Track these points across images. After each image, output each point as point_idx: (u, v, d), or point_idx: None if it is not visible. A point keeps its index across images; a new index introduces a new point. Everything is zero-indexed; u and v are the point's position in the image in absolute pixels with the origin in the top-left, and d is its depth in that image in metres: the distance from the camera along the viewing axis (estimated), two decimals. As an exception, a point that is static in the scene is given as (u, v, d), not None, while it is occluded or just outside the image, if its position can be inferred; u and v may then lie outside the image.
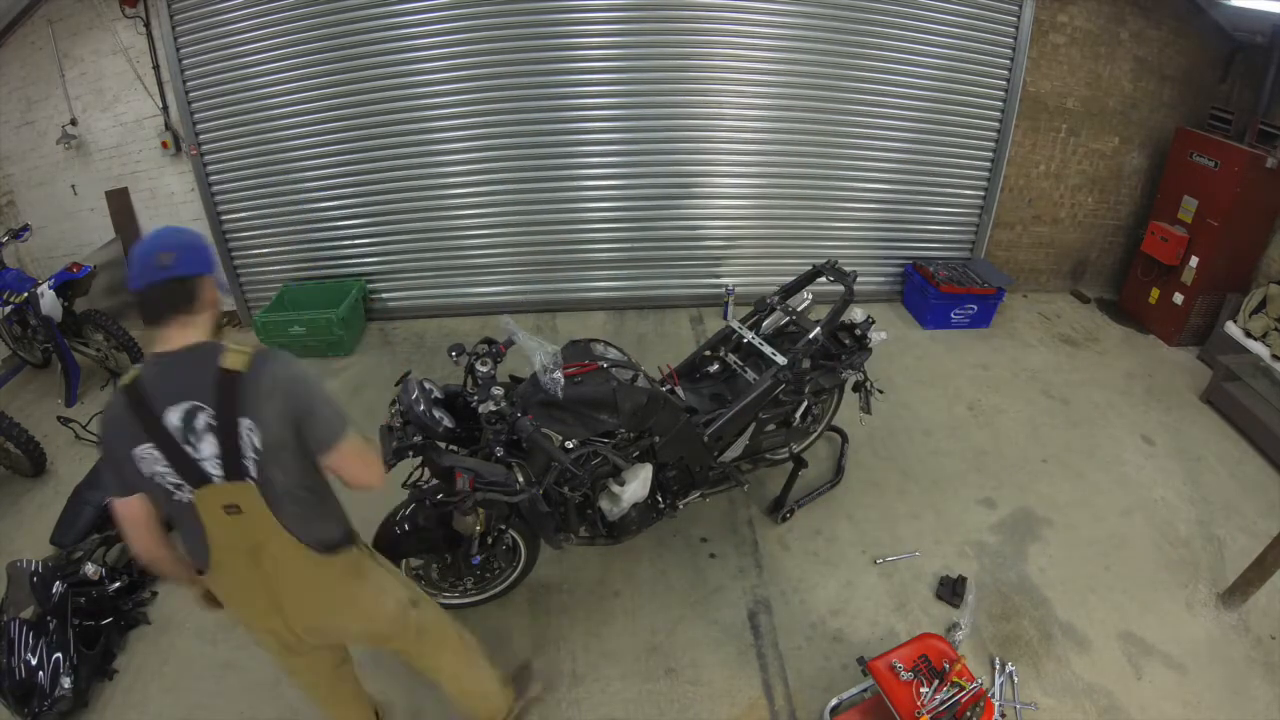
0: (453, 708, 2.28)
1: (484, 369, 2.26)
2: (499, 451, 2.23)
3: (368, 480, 1.65)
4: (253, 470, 1.47)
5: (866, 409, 3.23)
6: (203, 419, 1.43)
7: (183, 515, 1.52)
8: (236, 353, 1.47)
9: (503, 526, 2.53)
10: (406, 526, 2.44)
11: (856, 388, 3.24)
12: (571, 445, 2.36)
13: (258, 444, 1.45)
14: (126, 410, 1.44)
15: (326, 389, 1.61)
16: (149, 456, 1.44)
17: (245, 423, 1.43)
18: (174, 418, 1.42)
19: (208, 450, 1.44)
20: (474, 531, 2.23)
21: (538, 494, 2.31)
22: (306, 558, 1.61)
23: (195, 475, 1.46)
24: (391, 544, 2.45)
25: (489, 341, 2.38)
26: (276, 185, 4.83)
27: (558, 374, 2.26)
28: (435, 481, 2.25)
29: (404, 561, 2.54)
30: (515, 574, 2.82)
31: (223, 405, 1.43)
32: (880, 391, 3.30)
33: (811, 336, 2.92)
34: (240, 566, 1.57)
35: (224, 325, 5.21)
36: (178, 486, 1.47)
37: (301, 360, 1.58)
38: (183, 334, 1.49)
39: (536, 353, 2.23)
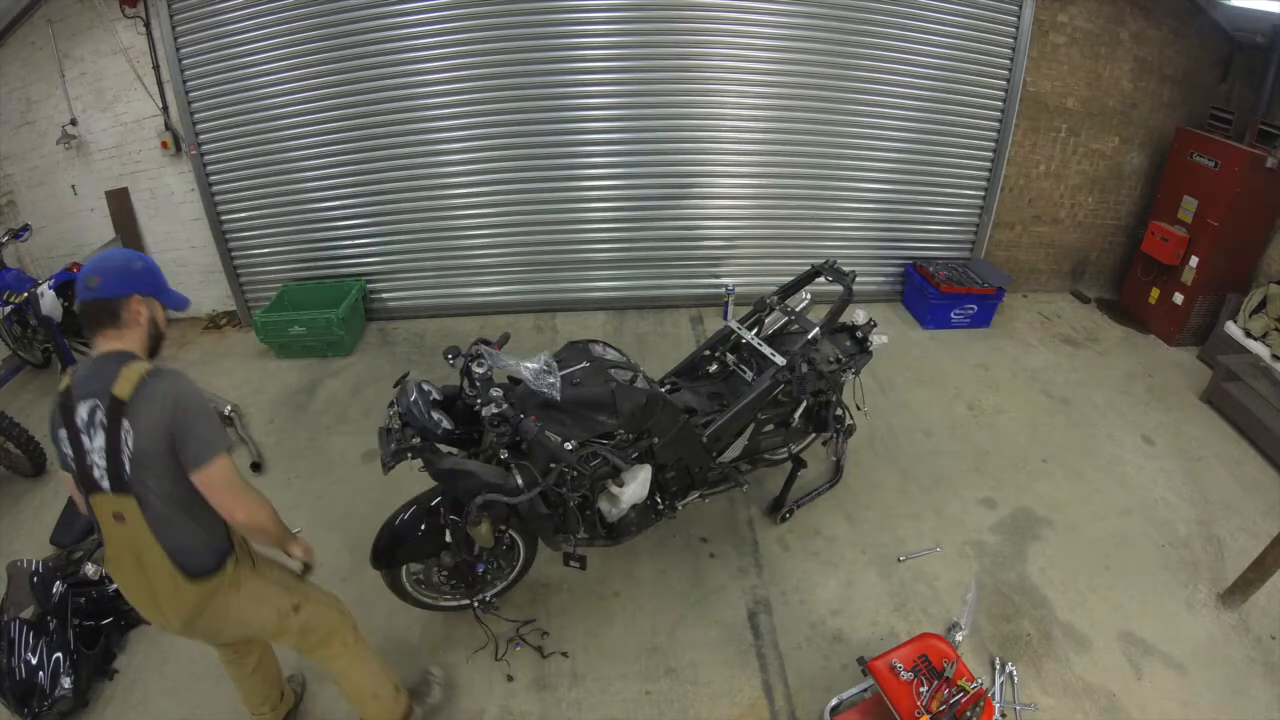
0: (349, 704, 2.34)
1: (480, 370, 2.26)
2: (503, 454, 2.22)
3: (232, 511, 1.71)
4: (128, 473, 1.62)
5: (838, 458, 3.13)
6: (98, 415, 1.61)
7: (90, 511, 1.71)
8: (135, 366, 1.64)
9: (503, 527, 2.53)
10: (405, 532, 2.43)
11: (825, 428, 3.17)
12: (571, 446, 2.36)
13: (131, 447, 1.60)
14: (58, 402, 1.67)
15: (212, 415, 1.71)
16: (63, 440, 1.66)
17: (124, 424, 1.59)
18: (82, 411, 1.62)
19: (98, 444, 1.62)
20: (490, 540, 2.26)
21: (537, 495, 2.30)
22: (174, 577, 1.74)
23: (90, 481, 1.65)
24: (389, 549, 2.45)
25: (484, 342, 2.37)
26: (276, 185, 4.83)
27: (553, 379, 2.26)
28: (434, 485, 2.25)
29: (404, 567, 2.54)
30: (514, 573, 2.82)
31: (111, 406, 1.60)
32: (863, 411, 3.23)
33: (811, 336, 2.92)
34: (129, 566, 1.74)
35: (224, 325, 5.21)
36: (83, 487, 1.67)
37: (192, 382, 1.71)
38: (107, 344, 1.70)
39: (522, 367, 2.24)
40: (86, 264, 1.77)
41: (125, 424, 1.59)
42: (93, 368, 1.67)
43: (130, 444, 1.60)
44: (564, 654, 2.73)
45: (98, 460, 1.62)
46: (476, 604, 2.67)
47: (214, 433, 1.69)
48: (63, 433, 1.66)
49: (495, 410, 2.18)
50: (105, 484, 1.63)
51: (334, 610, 2.18)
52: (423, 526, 2.43)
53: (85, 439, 1.62)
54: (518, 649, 2.74)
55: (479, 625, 2.73)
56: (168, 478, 1.66)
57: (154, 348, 1.81)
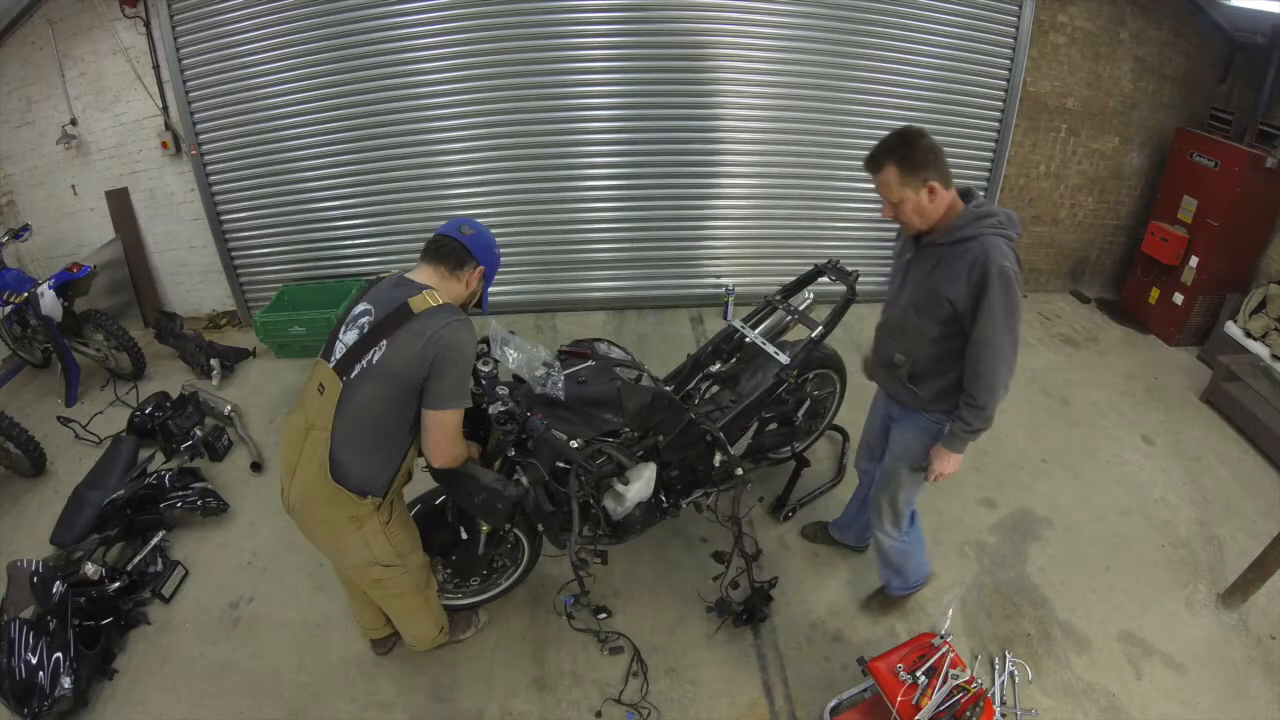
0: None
1: (485, 369, 2.26)
2: (510, 452, 2.23)
3: (437, 453, 1.93)
4: (358, 368, 1.82)
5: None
6: (365, 320, 1.86)
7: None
8: (426, 299, 1.83)
9: (507, 525, 2.53)
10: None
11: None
12: (577, 444, 2.36)
13: (374, 360, 1.81)
14: (357, 292, 2.01)
15: (466, 372, 1.89)
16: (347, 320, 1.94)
17: (382, 343, 1.80)
18: (357, 309, 1.91)
19: (349, 339, 1.87)
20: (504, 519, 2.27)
21: (543, 493, 2.32)
22: (322, 465, 1.89)
23: (329, 347, 1.93)
24: None
25: (486, 341, 2.38)
26: (276, 185, 4.83)
27: (559, 379, 2.26)
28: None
29: None
30: (519, 571, 2.82)
31: (382, 322, 1.82)
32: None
33: (814, 336, 2.92)
34: (299, 430, 1.96)
35: (224, 325, 5.21)
36: (324, 348, 1.96)
37: (473, 336, 1.89)
38: (422, 275, 1.95)
39: (525, 368, 2.26)
40: (461, 218, 2.04)
41: (383, 343, 1.80)
42: (395, 284, 1.91)
43: (376, 359, 1.80)
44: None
45: (343, 339, 1.88)
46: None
47: (462, 386, 1.88)
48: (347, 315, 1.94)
49: (502, 408, 2.18)
50: (335, 358, 1.88)
51: (419, 592, 2.34)
52: (429, 524, 2.43)
53: (341, 330, 1.90)
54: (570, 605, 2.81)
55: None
56: (382, 400, 1.84)
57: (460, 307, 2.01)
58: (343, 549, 2.09)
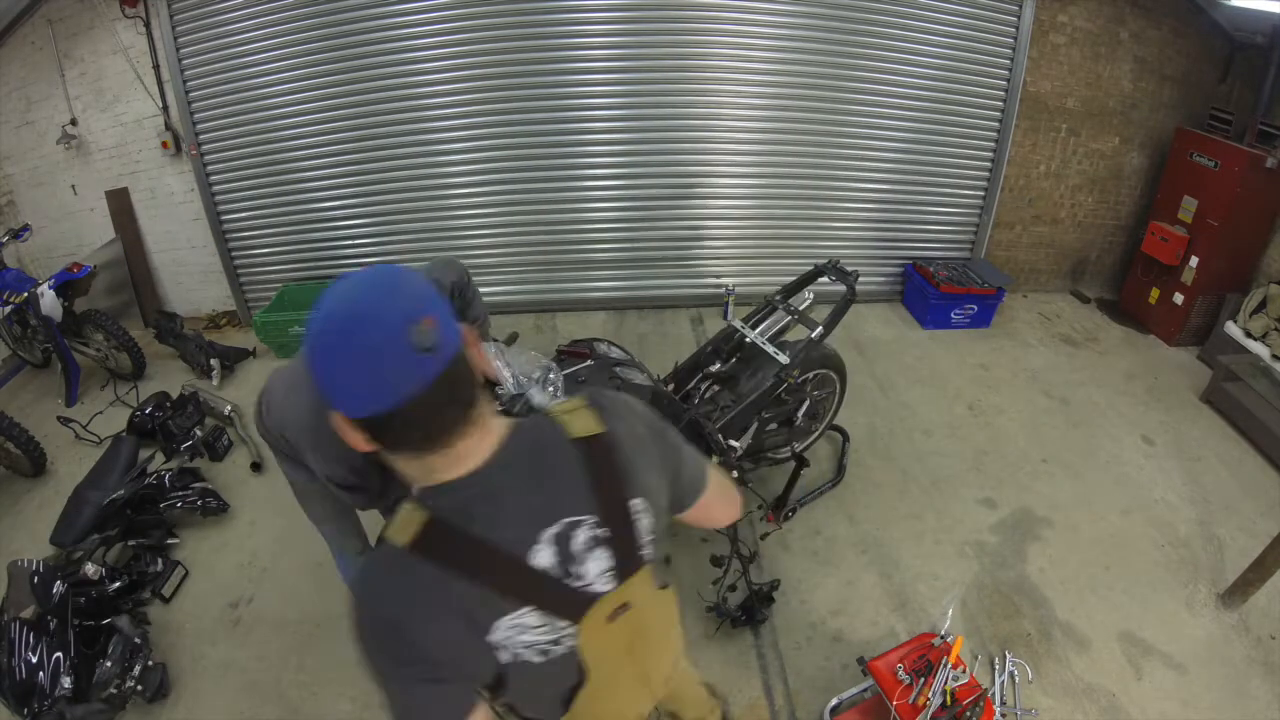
0: None
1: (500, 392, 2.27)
2: None
3: (733, 516, 1.32)
4: (649, 553, 1.07)
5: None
6: (582, 534, 0.97)
7: (552, 668, 1.00)
8: (570, 413, 1.02)
9: None
10: None
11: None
12: None
13: (651, 524, 1.05)
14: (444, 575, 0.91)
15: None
16: (518, 625, 0.94)
17: (636, 504, 1.03)
18: (545, 551, 0.95)
19: (596, 569, 0.99)
20: None
21: None
22: (656, 593, 1.16)
23: (582, 603, 0.99)
24: None
25: (492, 340, 2.38)
26: (277, 185, 4.83)
27: (558, 379, 2.26)
28: None
29: None
30: None
31: (602, 497, 0.99)
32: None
33: (814, 336, 2.92)
34: (620, 665, 1.12)
35: (223, 325, 5.21)
36: (554, 641, 0.98)
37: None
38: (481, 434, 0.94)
39: (524, 374, 2.20)
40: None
41: (636, 502, 1.02)
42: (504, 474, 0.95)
43: (650, 521, 1.06)
44: None
45: (600, 586, 1.01)
46: None
47: (689, 444, 1.21)
48: (510, 620, 0.93)
49: (499, 408, 2.18)
50: (607, 586, 1.02)
51: None
52: None
53: (570, 582, 0.98)
54: None
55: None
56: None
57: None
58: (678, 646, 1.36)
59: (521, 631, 0.93)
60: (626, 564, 1.02)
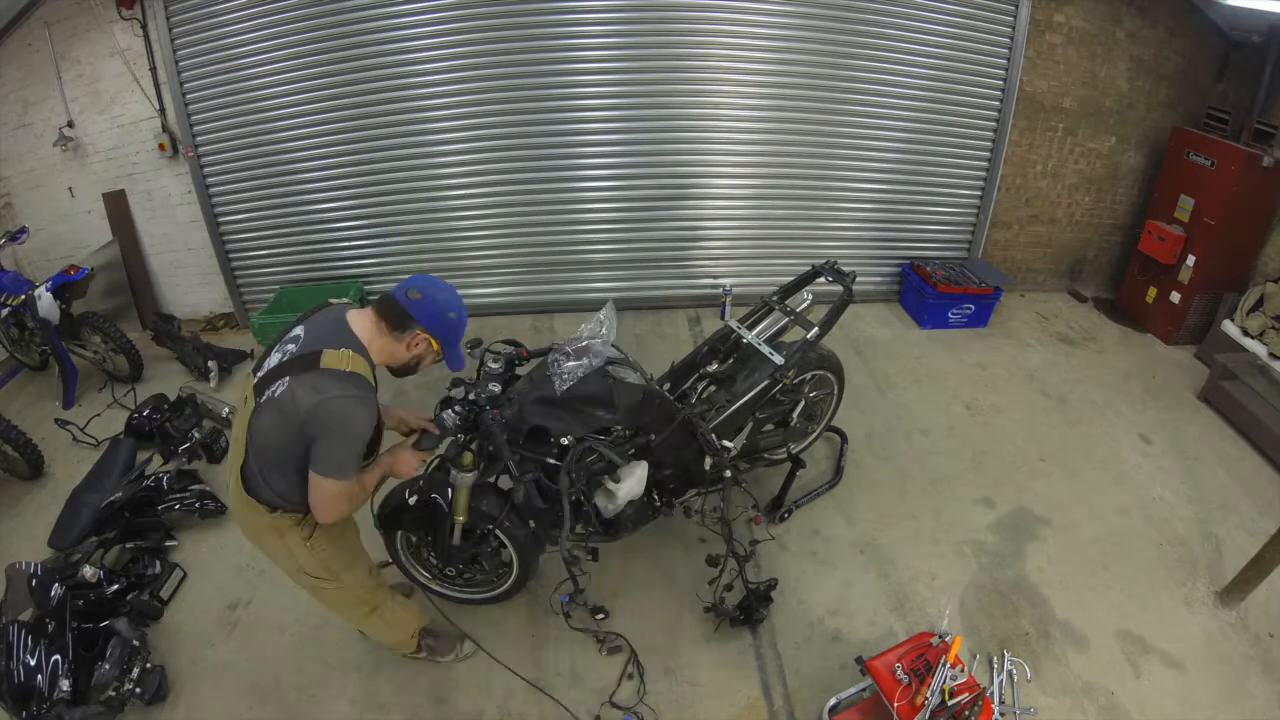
0: None
1: (495, 365, 2.32)
2: (463, 438, 2.26)
3: (314, 510, 1.90)
4: (263, 397, 1.79)
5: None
6: (290, 347, 1.84)
7: None
8: (341, 357, 1.78)
9: (489, 526, 2.51)
10: (398, 503, 2.51)
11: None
12: (568, 441, 2.37)
13: (276, 394, 1.76)
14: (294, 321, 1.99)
15: (349, 445, 1.81)
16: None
17: (286, 379, 1.76)
18: (293, 331, 1.90)
19: (272, 361, 1.86)
20: (464, 510, 2.36)
21: (533, 489, 2.35)
22: (238, 480, 1.94)
23: (260, 360, 1.92)
24: (389, 515, 2.56)
25: (513, 343, 2.43)
26: (274, 187, 4.82)
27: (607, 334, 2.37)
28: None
29: (400, 533, 2.68)
30: (508, 584, 2.80)
31: (295, 359, 1.79)
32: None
33: (810, 337, 2.92)
34: (238, 440, 1.95)
35: (221, 327, 5.20)
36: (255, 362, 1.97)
37: (359, 413, 1.78)
38: (363, 321, 1.89)
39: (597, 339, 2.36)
40: (419, 276, 1.96)
41: (286, 379, 1.75)
42: (334, 328, 1.86)
43: (279, 391, 1.75)
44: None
45: (269, 359, 1.87)
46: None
47: (342, 460, 1.81)
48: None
49: (470, 397, 2.22)
50: (258, 375, 1.85)
51: (360, 605, 2.32)
52: (425, 501, 2.47)
53: (275, 349, 1.89)
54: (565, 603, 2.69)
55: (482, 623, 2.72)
56: (279, 433, 1.80)
57: (398, 371, 2.00)
58: (270, 554, 2.12)
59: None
60: (267, 375, 1.82)
